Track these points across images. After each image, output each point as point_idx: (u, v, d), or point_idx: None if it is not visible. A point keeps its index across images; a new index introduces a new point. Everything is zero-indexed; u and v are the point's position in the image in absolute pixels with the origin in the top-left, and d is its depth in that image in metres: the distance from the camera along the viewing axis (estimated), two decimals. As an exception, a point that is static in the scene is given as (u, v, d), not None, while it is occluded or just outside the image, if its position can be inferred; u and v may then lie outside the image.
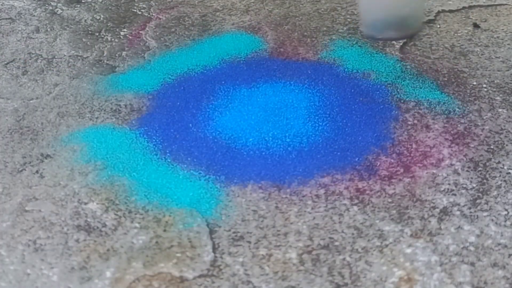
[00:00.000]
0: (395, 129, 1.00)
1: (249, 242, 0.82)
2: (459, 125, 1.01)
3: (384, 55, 1.20)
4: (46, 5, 1.48)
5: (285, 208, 0.87)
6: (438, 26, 1.29)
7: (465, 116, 1.03)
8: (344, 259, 0.79)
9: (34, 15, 1.43)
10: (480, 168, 0.92)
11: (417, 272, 0.76)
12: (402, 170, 0.92)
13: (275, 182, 0.91)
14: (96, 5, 1.47)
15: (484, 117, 1.02)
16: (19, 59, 1.27)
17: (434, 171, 0.91)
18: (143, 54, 1.26)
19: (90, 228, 0.85)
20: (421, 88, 1.10)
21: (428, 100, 1.07)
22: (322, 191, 0.89)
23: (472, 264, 0.77)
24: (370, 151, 0.96)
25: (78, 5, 1.47)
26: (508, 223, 0.83)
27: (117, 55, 1.26)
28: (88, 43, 1.31)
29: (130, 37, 1.32)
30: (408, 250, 0.79)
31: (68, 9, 1.45)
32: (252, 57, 1.22)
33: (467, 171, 0.91)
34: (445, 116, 1.03)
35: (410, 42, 1.23)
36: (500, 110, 1.04)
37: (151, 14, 1.41)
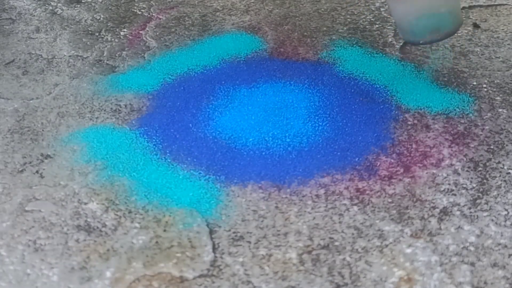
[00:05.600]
0: (395, 129, 1.00)
1: (249, 242, 0.82)
2: (459, 125, 1.01)
3: (384, 55, 1.20)
4: (46, 5, 1.48)
5: (285, 208, 0.87)
6: (438, 26, 1.29)
7: (465, 116, 1.03)
8: (344, 259, 0.79)
9: (34, 15, 1.43)
10: (480, 168, 0.92)
11: (417, 272, 0.76)
12: (402, 170, 0.92)
13: (275, 182, 0.91)
14: (96, 5, 1.47)
15: (484, 117, 1.02)
16: (19, 59, 1.27)
17: (434, 171, 0.91)
18: (143, 54, 1.26)
19: (90, 228, 0.85)
20: (421, 88, 1.10)
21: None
22: (322, 191, 0.89)
23: (472, 264, 0.77)
24: (370, 151, 0.96)
25: (78, 5, 1.47)
26: (508, 223, 0.83)
27: (117, 55, 1.26)
28: (88, 43, 1.31)
29: (130, 37, 1.32)
30: (408, 250, 0.79)
31: (68, 9, 1.45)
32: (252, 57, 1.22)
33: (467, 171, 0.91)
34: (445, 116, 1.03)
35: (410, 42, 1.23)
36: (500, 110, 1.04)
37: (151, 14, 1.41)
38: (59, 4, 1.48)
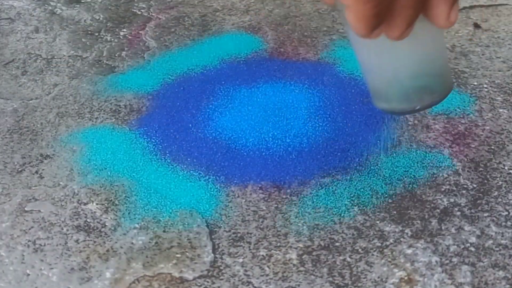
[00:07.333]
0: (396, 129, 1.00)
1: (249, 242, 0.82)
2: (459, 126, 1.00)
3: (384, 55, 1.20)
4: (46, 5, 1.48)
5: (285, 209, 0.87)
6: (439, 26, 1.29)
7: (465, 116, 1.02)
8: (344, 259, 0.78)
9: (33, 15, 1.43)
10: (480, 169, 0.92)
11: (418, 273, 0.76)
12: (402, 171, 0.92)
13: (275, 183, 0.91)
14: (96, 5, 1.47)
15: (485, 118, 1.02)
16: (19, 59, 1.26)
17: (435, 171, 0.91)
18: (142, 54, 1.25)
19: (90, 229, 0.85)
20: (421, 88, 1.10)
21: (429, 100, 1.07)
22: (322, 192, 0.89)
23: (473, 264, 0.77)
24: (370, 152, 0.96)
25: (78, 5, 1.47)
26: (508, 223, 0.82)
27: (116, 55, 1.26)
28: (87, 43, 1.31)
29: (130, 37, 1.32)
30: (409, 251, 0.79)
31: (67, 9, 1.45)
32: (252, 57, 1.22)
33: (467, 171, 0.91)
34: (446, 116, 1.03)
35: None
36: (501, 110, 1.03)
37: (151, 14, 1.41)
38: (58, 4, 1.48)
